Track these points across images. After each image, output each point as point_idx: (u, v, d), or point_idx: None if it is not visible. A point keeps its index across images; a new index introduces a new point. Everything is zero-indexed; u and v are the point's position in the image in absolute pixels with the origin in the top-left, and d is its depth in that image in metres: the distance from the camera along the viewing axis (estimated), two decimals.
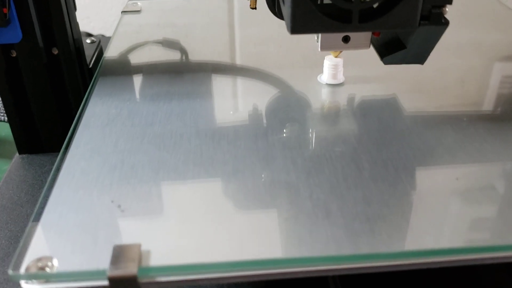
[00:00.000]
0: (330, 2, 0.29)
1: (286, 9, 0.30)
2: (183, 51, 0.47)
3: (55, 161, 0.32)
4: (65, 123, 0.46)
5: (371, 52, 0.36)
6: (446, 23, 0.31)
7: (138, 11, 0.55)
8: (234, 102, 0.39)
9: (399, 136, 0.34)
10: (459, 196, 0.29)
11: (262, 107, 0.38)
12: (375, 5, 0.30)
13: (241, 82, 0.42)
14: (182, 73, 0.43)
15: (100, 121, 0.36)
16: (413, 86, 0.41)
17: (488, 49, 0.46)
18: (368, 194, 0.29)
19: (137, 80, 0.42)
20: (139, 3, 0.57)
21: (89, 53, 0.50)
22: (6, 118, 0.46)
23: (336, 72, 0.41)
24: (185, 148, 0.33)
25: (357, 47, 0.34)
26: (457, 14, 0.53)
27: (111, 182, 0.30)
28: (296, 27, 0.30)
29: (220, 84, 0.41)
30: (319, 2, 0.31)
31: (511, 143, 0.33)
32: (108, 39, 0.52)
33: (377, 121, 0.36)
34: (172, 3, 0.58)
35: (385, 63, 0.36)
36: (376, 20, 0.30)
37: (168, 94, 0.39)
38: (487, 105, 0.39)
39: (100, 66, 0.44)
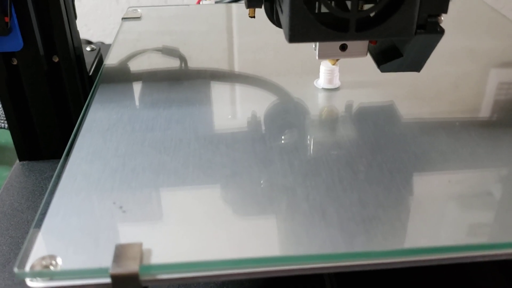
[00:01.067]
0: (327, 11, 0.30)
1: (284, 18, 0.31)
2: (182, 58, 0.47)
3: (55, 167, 0.32)
4: (65, 130, 0.46)
5: (367, 58, 0.37)
6: (441, 31, 0.32)
7: (138, 18, 0.56)
8: (232, 108, 0.40)
9: (394, 140, 0.35)
10: (452, 198, 0.30)
11: (259, 111, 0.38)
12: (372, 14, 0.30)
13: (239, 88, 0.43)
14: (181, 80, 0.43)
15: (101, 126, 0.36)
16: (408, 91, 0.41)
17: (483, 55, 0.47)
18: (363, 196, 0.29)
19: (137, 87, 0.42)
20: (139, 10, 0.57)
21: (89, 60, 0.51)
22: (6, 125, 0.46)
23: (332, 77, 0.41)
24: (185, 152, 0.33)
25: (354, 55, 0.35)
26: (452, 21, 0.54)
27: (113, 185, 0.30)
28: (294, 36, 0.30)
29: (218, 91, 0.42)
30: (316, 11, 0.32)
31: (503, 147, 0.34)
32: (107, 46, 0.52)
33: (372, 125, 0.36)
34: (171, 10, 0.58)
35: (382, 71, 0.36)
36: (373, 29, 0.30)
37: (168, 100, 0.40)
38: (481, 111, 0.39)
39: (101, 73, 0.44)
